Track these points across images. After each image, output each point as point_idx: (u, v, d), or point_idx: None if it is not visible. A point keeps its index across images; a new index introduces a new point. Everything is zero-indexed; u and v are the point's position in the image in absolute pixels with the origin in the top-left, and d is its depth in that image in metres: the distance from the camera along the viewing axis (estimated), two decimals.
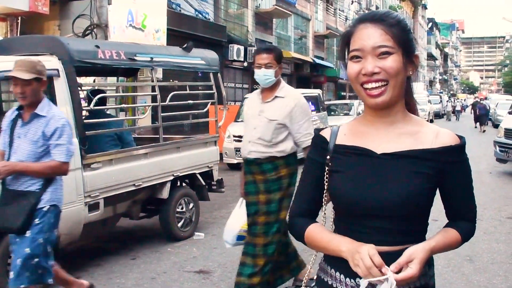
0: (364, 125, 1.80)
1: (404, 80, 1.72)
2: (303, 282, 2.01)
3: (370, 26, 1.69)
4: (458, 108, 44.93)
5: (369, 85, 1.68)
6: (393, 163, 1.70)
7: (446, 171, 1.73)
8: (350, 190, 1.75)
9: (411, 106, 1.82)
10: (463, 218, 1.84)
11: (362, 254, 1.60)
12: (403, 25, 1.72)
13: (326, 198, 1.86)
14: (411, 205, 1.68)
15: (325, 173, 1.81)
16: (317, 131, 1.90)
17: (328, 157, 1.81)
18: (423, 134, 1.74)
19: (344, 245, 1.70)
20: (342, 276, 1.77)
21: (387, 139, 1.74)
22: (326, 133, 1.87)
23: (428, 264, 1.75)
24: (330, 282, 1.81)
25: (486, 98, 39.69)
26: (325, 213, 1.93)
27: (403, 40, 1.69)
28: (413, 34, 1.79)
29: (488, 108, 31.49)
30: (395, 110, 1.75)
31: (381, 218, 1.71)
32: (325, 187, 1.83)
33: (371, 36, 1.68)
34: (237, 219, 4.78)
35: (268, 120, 4.43)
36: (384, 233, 1.71)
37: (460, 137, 1.76)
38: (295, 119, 4.41)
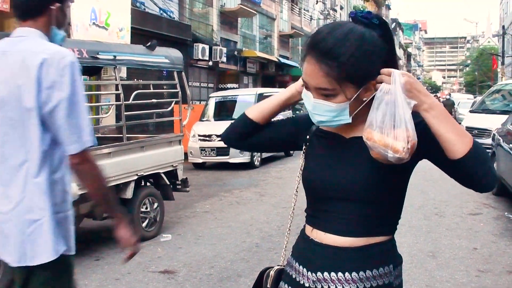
0: None
1: (359, 106, 1.65)
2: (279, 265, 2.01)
3: (314, 62, 1.59)
4: None
5: None
6: (361, 146, 1.66)
7: (421, 143, 1.57)
8: (315, 171, 1.78)
9: None
10: None
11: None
12: (356, 57, 1.57)
13: (298, 177, 1.89)
14: (371, 188, 1.67)
15: (302, 152, 1.87)
16: None
17: (307, 137, 1.86)
18: None
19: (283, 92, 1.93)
20: (304, 269, 1.78)
21: (359, 126, 1.72)
22: None
23: (393, 263, 1.75)
24: (294, 276, 1.82)
25: (449, 95, 37.24)
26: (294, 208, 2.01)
27: (353, 75, 1.58)
28: (375, 56, 1.61)
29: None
30: (356, 115, 1.69)
31: (344, 201, 1.71)
32: (300, 168, 1.88)
33: (313, 76, 1.61)
34: None
35: None
36: (348, 220, 1.71)
37: None
38: None
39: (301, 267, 1.80)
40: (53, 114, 2.18)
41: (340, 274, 1.69)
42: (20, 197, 2.24)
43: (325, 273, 1.71)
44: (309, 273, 1.76)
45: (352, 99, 1.61)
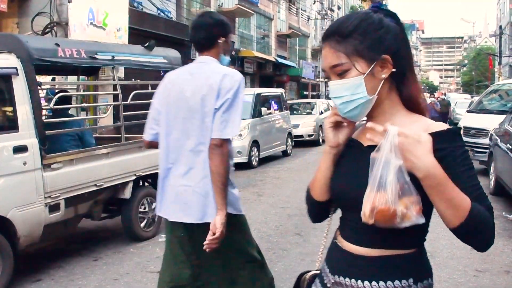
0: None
1: (377, 85, 1.65)
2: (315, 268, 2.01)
3: (325, 45, 1.69)
4: None
5: None
6: None
7: (438, 160, 1.51)
8: (335, 180, 1.78)
9: (413, 104, 1.73)
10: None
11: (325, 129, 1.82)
12: (362, 29, 1.63)
13: None
14: None
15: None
16: None
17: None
18: (414, 127, 1.61)
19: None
20: (328, 270, 1.81)
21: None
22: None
23: (414, 277, 1.69)
24: (322, 274, 1.86)
25: (445, 94, 36.42)
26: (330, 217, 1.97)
27: (362, 47, 1.62)
28: (383, 30, 1.64)
29: (437, 107, 22.71)
30: (381, 108, 1.70)
31: (355, 211, 1.63)
32: None
33: (326, 57, 1.69)
34: None
35: None
36: (359, 230, 1.68)
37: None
38: None
39: (326, 267, 1.83)
40: (218, 108, 2.99)
41: (353, 280, 1.69)
42: (203, 174, 3.07)
43: (341, 277, 1.73)
44: (330, 274, 1.78)
45: (366, 74, 1.62)
